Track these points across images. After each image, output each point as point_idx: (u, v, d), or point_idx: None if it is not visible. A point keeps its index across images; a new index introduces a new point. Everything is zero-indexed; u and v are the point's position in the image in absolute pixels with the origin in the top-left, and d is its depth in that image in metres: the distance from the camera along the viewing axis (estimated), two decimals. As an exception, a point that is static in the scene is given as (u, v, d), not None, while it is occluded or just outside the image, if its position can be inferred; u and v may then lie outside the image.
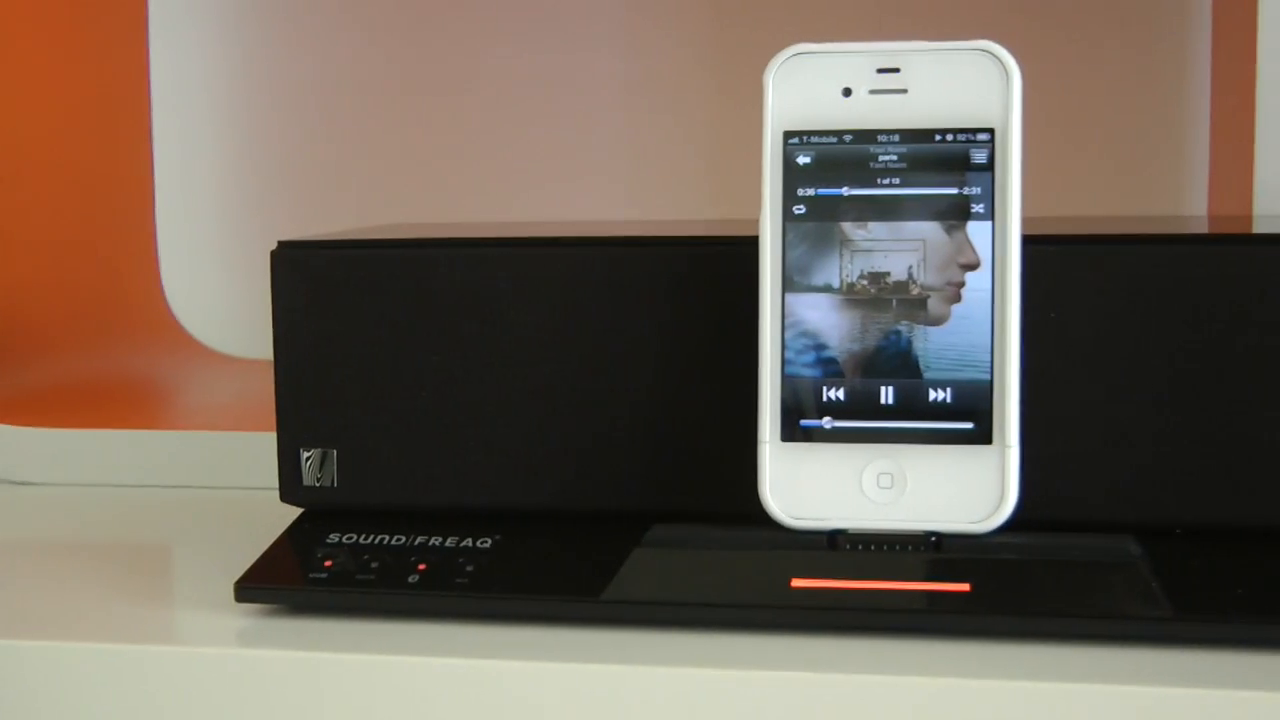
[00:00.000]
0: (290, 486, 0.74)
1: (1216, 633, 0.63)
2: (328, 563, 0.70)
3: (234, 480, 0.97)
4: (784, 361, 0.67)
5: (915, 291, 0.66)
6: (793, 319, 0.67)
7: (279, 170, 1.22)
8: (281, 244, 0.74)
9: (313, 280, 0.73)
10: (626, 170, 1.17)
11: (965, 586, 0.65)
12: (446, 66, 1.18)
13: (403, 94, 1.19)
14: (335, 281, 0.73)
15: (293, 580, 0.70)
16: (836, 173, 0.67)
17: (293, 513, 0.75)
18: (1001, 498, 0.66)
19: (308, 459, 0.73)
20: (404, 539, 0.71)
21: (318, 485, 0.73)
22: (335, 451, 0.73)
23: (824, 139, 0.67)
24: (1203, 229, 0.81)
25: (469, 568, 0.69)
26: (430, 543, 0.71)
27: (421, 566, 0.69)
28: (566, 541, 0.71)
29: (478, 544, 0.71)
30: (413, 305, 0.72)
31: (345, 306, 0.73)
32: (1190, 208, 1.09)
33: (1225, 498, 0.68)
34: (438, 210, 1.17)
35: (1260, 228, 0.79)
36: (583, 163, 1.17)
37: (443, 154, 1.19)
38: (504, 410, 0.72)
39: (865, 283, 0.67)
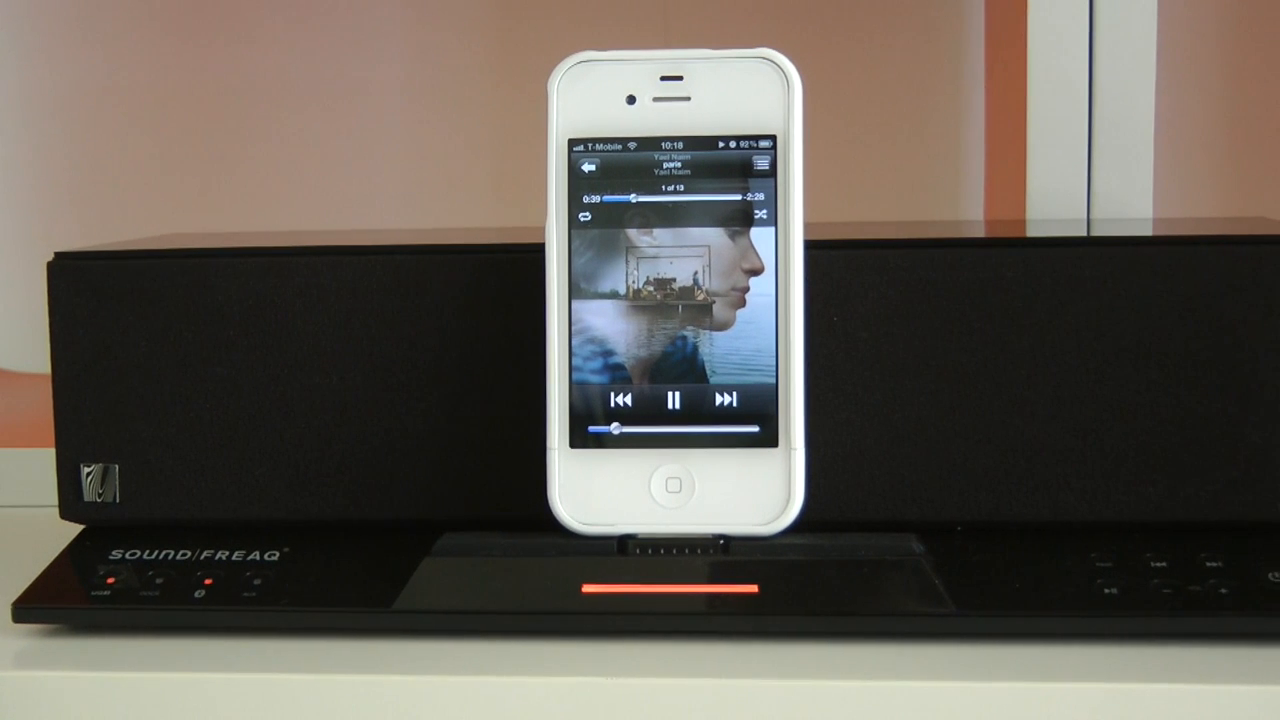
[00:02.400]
0: (70, 503, 0.72)
1: (997, 627, 0.65)
2: (110, 580, 0.69)
3: (12, 499, 0.95)
4: (571, 368, 0.67)
5: (701, 297, 0.67)
6: (579, 326, 0.67)
7: (57, 180, 1.19)
8: (59, 255, 0.72)
9: (91, 291, 0.71)
10: (411, 178, 1.16)
11: (753, 588, 0.65)
12: (227, 73, 1.16)
13: (184, 102, 1.17)
14: (114, 292, 0.71)
15: (73, 599, 0.68)
16: (621, 180, 0.68)
17: (74, 530, 0.73)
18: (788, 499, 0.67)
19: (88, 474, 0.72)
20: (189, 554, 0.70)
21: (99, 501, 0.72)
22: (117, 466, 0.72)
23: (608, 146, 0.68)
24: (979, 233, 0.83)
25: (256, 581, 0.68)
26: (216, 557, 0.70)
27: (208, 581, 0.68)
28: (356, 552, 0.70)
29: (265, 557, 0.70)
30: (195, 316, 0.71)
31: (125, 318, 0.71)
32: (967, 213, 1.11)
33: (1003, 495, 0.69)
34: (219, 219, 1.15)
35: (1033, 231, 0.81)
36: (367, 170, 1.16)
37: (224, 162, 1.17)
38: (290, 421, 0.71)
39: (651, 289, 0.67)
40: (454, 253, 0.71)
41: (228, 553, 0.70)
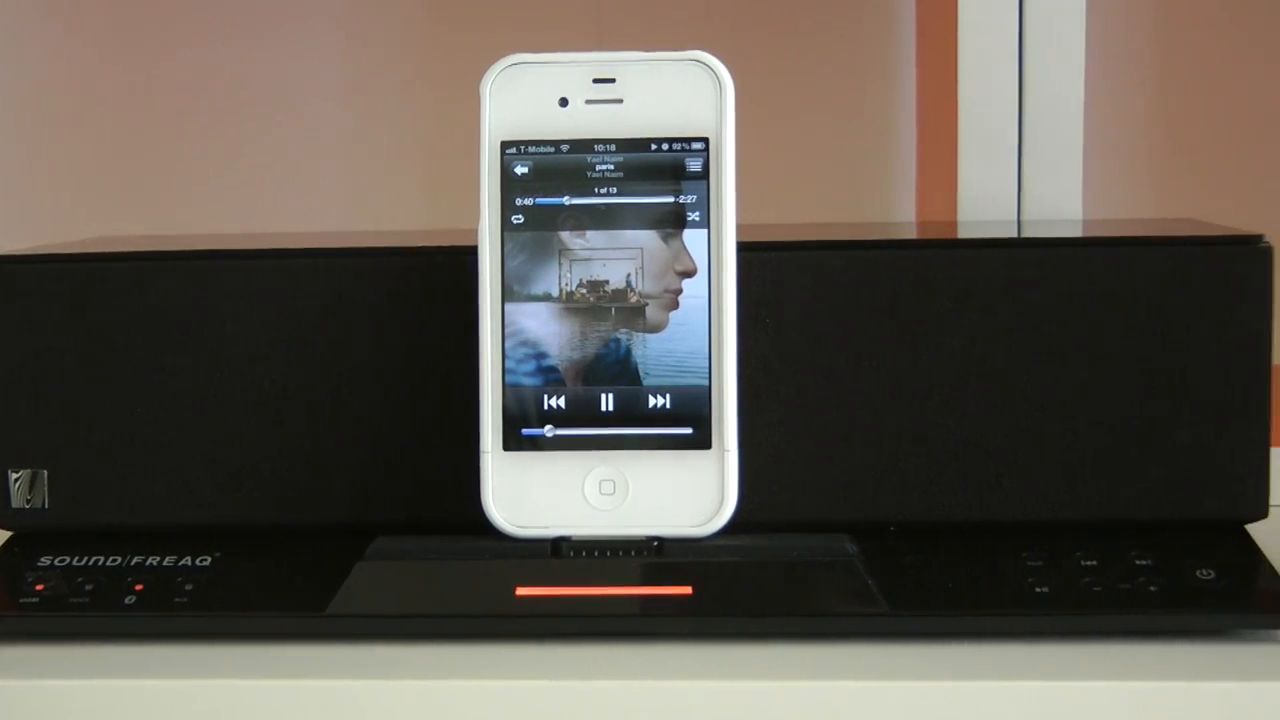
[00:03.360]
0: (-2, 509, 0.72)
1: (930, 626, 0.65)
2: (39, 586, 0.68)
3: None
4: (504, 371, 0.67)
5: (634, 299, 0.67)
6: (513, 328, 0.67)
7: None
8: (-14, 258, 0.72)
9: (18, 295, 0.71)
10: (345, 181, 1.16)
11: (687, 590, 0.65)
12: (160, 76, 1.16)
13: (115, 105, 1.16)
14: (42, 296, 0.71)
15: (1, 606, 0.68)
16: (554, 182, 0.68)
17: (1, 537, 0.73)
18: (721, 501, 0.67)
19: (16, 480, 0.71)
20: (120, 559, 0.70)
21: (28, 507, 0.71)
22: (46, 472, 0.71)
23: (541, 149, 0.68)
24: (911, 235, 0.84)
25: (188, 587, 0.68)
26: (147, 562, 0.70)
27: (139, 587, 0.68)
28: (289, 557, 0.70)
29: (197, 562, 0.69)
30: (125, 319, 0.71)
31: (54, 321, 0.71)
32: (899, 214, 1.12)
33: (935, 495, 0.70)
34: (151, 223, 1.14)
35: (964, 233, 0.81)
36: (300, 173, 1.16)
37: (156, 164, 1.16)
38: (221, 425, 0.71)
39: (584, 291, 0.67)
40: (386, 255, 0.71)
41: (159, 558, 0.70)
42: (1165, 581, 0.66)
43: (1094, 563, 0.67)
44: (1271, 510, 0.70)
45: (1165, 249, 0.69)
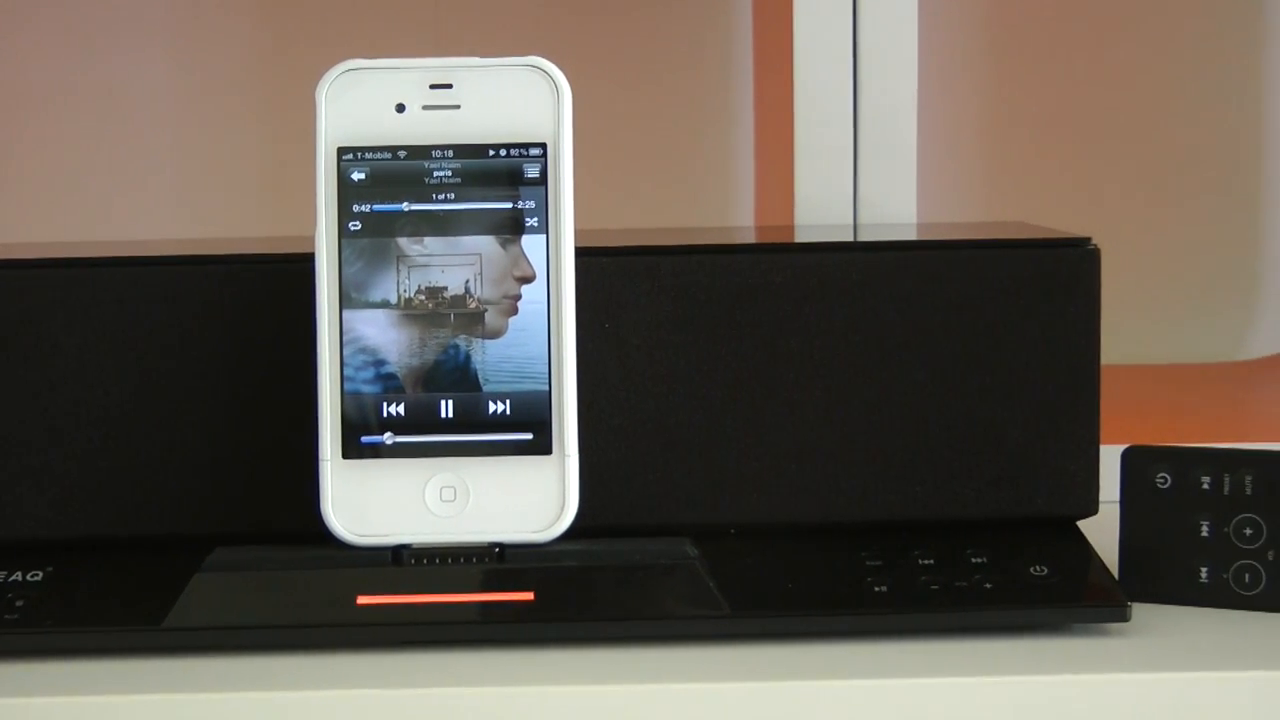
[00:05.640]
0: None
1: (770, 627, 0.66)
2: None
3: None
4: (343, 378, 0.67)
5: (473, 305, 0.67)
6: (351, 335, 0.67)
7: None
8: None
9: None
10: (178, 186, 1.14)
11: (529, 595, 0.65)
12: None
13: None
14: None
15: None
16: (392, 188, 0.67)
17: None
18: (562, 506, 0.67)
19: None
20: (-51, 576, 0.68)
21: None
22: None
23: (378, 155, 0.67)
24: (749, 239, 0.85)
25: (19, 602, 0.67)
26: (-24, 578, 0.68)
27: (-33, 603, 0.67)
28: (125, 569, 0.69)
29: (28, 577, 0.68)
30: (-49, 330, 0.69)
31: (-123, 334, 0.69)
32: (738, 219, 1.13)
33: (774, 497, 0.70)
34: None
35: (801, 237, 0.82)
36: (132, 179, 1.14)
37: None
38: (53, 436, 0.69)
39: (423, 298, 0.67)
40: (221, 263, 0.70)
41: (-11, 574, 0.68)
42: (1000, 578, 0.67)
43: (931, 561, 0.68)
44: (1102, 506, 0.71)
45: (997, 252, 0.71)
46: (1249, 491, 0.68)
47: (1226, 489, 0.68)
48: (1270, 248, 1.18)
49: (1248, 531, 0.68)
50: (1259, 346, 1.17)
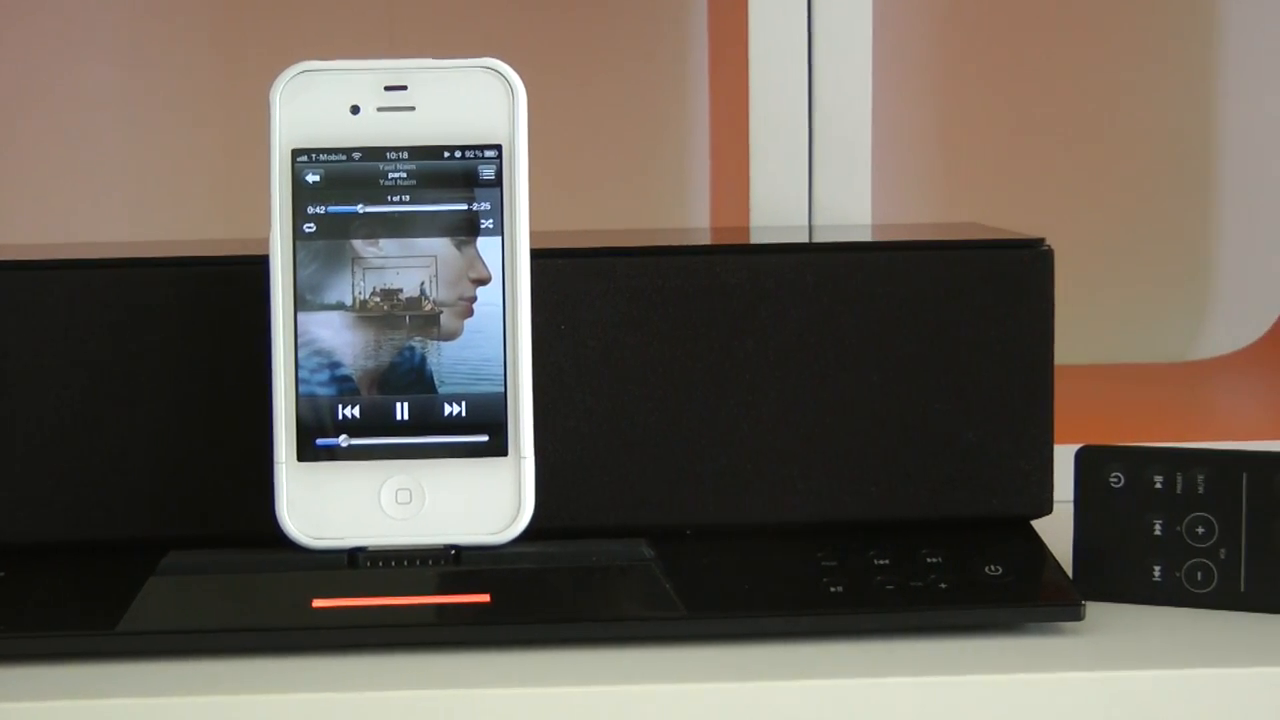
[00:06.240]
0: None
1: (726, 628, 0.66)
2: None
3: None
4: (298, 380, 0.67)
5: (428, 307, 0.67)
6: (306, 338, 0.67)
7: None
8: None
9: None
10: (130, 187, 1.14)
11: (485, 597, 0.65)
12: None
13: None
14: None
15: None
16: (346, 190, 0.67)
17: None
18: (518, 508, 0.67)
19: None
20: (-101, 581, 0.68)
21: None
22: None
23: (333, 157, 0.67)
24: (704, 240, 0.85)
25: (-28, 607, 0.66)
26: (-71, 583, 0.68)
27: (-80, 608, 0.66)
28: (77, 574, 0.68)
29: (-19, 582, 0.68)
30: (-98, 334, 0.69)
31: None
32: (693, 220, 1.13)
33: (730, 498, 0.70)
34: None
35: (756, 239, 0.82)
36: (82, 181, 1.13)
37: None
38: (4, 440, 0.69)
39: (378, 299, 0.67)
40: (176, 265, 0.70)
41: (-60, 579, 0.68)
42: (955, 578, 0.68)
43: (886, 561, 0.68)
44: (1056, 506, 0.72)
45: (951, 253, 0.71)
46: (1201, 490, 0.68)
47: (1179, 488, 0.69)
48: (1222, 249, 1.18)
49: (1200, 530, 0.68)
50: (1211, 347, 1.18)
